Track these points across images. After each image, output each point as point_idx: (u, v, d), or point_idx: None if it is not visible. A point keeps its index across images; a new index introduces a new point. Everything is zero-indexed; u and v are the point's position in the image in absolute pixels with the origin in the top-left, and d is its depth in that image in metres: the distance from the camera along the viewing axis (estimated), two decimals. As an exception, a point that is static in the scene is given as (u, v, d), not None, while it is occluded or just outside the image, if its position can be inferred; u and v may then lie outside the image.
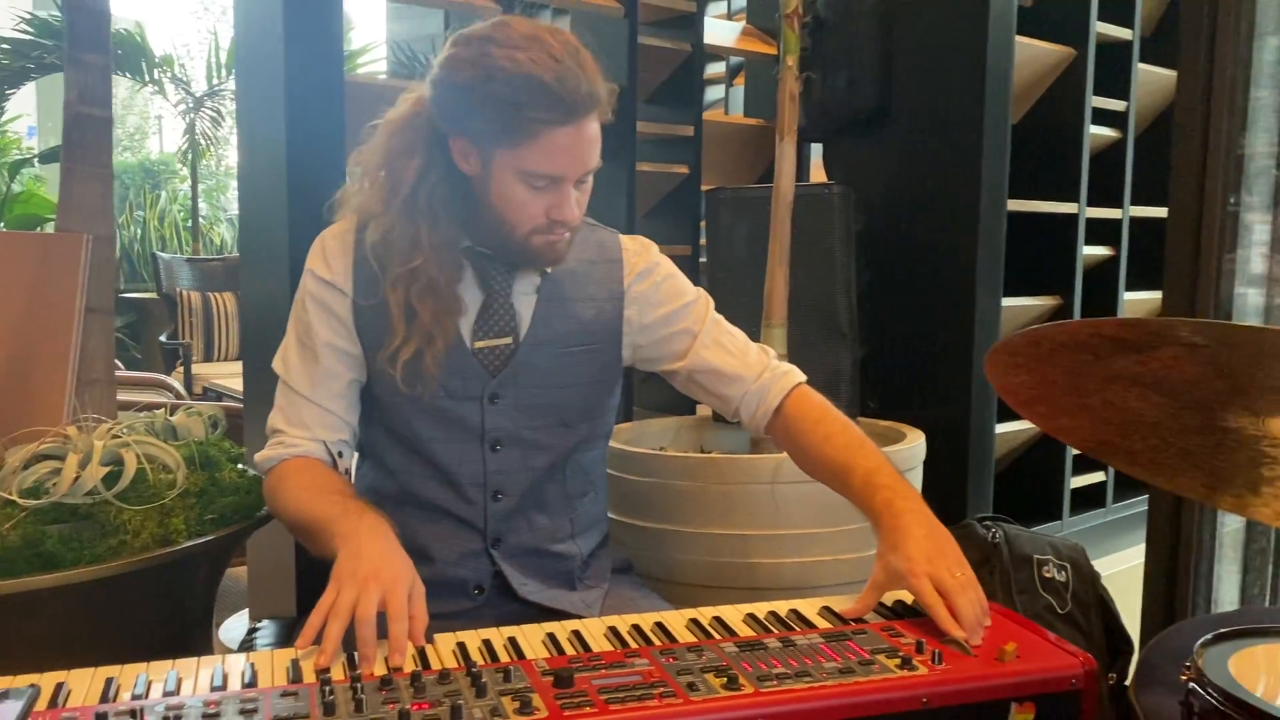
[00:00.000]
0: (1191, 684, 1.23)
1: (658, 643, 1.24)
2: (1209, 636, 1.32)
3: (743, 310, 2.44)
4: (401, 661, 1.12)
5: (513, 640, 1.21)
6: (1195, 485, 1.10)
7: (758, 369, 1.54)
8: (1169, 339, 0.81)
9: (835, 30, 2.68)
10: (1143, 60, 3.12)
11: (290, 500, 1.39)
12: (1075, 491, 3.00)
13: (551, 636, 1.23)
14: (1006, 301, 2.81)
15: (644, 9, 2.79)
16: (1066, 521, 2.97)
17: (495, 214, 1.37)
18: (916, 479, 2.24)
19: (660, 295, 1.54)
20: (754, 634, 1.27)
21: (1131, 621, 2.37)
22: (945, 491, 2.47)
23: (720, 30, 3.20)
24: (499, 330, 1.45)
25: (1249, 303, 2.43)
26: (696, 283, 2.73)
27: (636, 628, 1.28)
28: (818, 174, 3.13)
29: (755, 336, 2.31)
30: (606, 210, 2.72)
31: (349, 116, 2.09)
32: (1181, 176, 2.42)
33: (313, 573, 2.06)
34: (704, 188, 2.83)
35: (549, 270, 1.47)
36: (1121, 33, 3.00)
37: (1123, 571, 2.80)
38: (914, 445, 2.20)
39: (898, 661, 1.18)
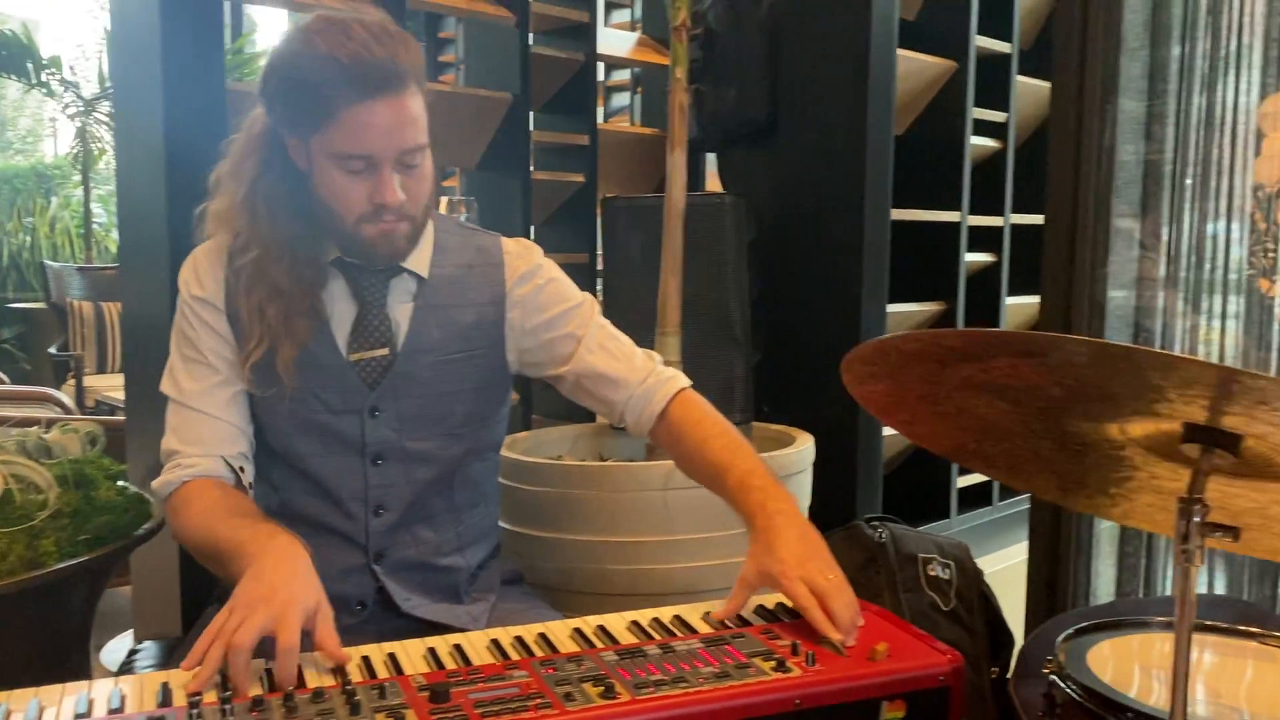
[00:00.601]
0: (1053, 676, 1.28)
1: (539, 654, 1.25)
2: (1070, 631, 1.38)
3: (638, 318, 2.47)
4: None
5: (392, 656, 1.20)
6: (1050, 487, 1.16)
7: (643, 374, 1.55)
8: (1002, 349, 0.85)
9: (725, 42, 2.72)
10: (1022, 73, 3.24)
11: (194, 526, 1.36)
12: (962, 490, 3.10)
13: (432, 651, 1.23)
14: (894, 308, 2.89)
15: (537, 19, 2.80)
16: (954, 520, 3.06)
17: (325, 206, 1.37)
18: (806, 481, 2.29)
19: (543, 299, 1.54)
20: (636, 641, 1.29)
21: (1017, 616, 2.46)
22: (835, 493, 2.53)
23: (615, 40, 3.22)
24: (375, 341, 1.44)
25: (1121, 304, 2.55)
26: (593, 291, 2.76)
27: (519, 639, 1.28)
28: (715, 183, 3.17)
29: (650, 344, 2.36)
30: (502, 218, 2.74)
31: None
32: (1057, 184, 2.52)
33: (198, 591, 2.02)
34: (601, 196, 2.85)
35: (426, 276, 1.47)
36: (1001, 46, 3.11)
37: (1009, 567, 2.90)
38: (803, 449, 2.25)
39: (773, 664, 1.20)
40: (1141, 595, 2.62)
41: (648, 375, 1.55)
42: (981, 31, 3.04)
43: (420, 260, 1.48)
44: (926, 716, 1.23)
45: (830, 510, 2.46)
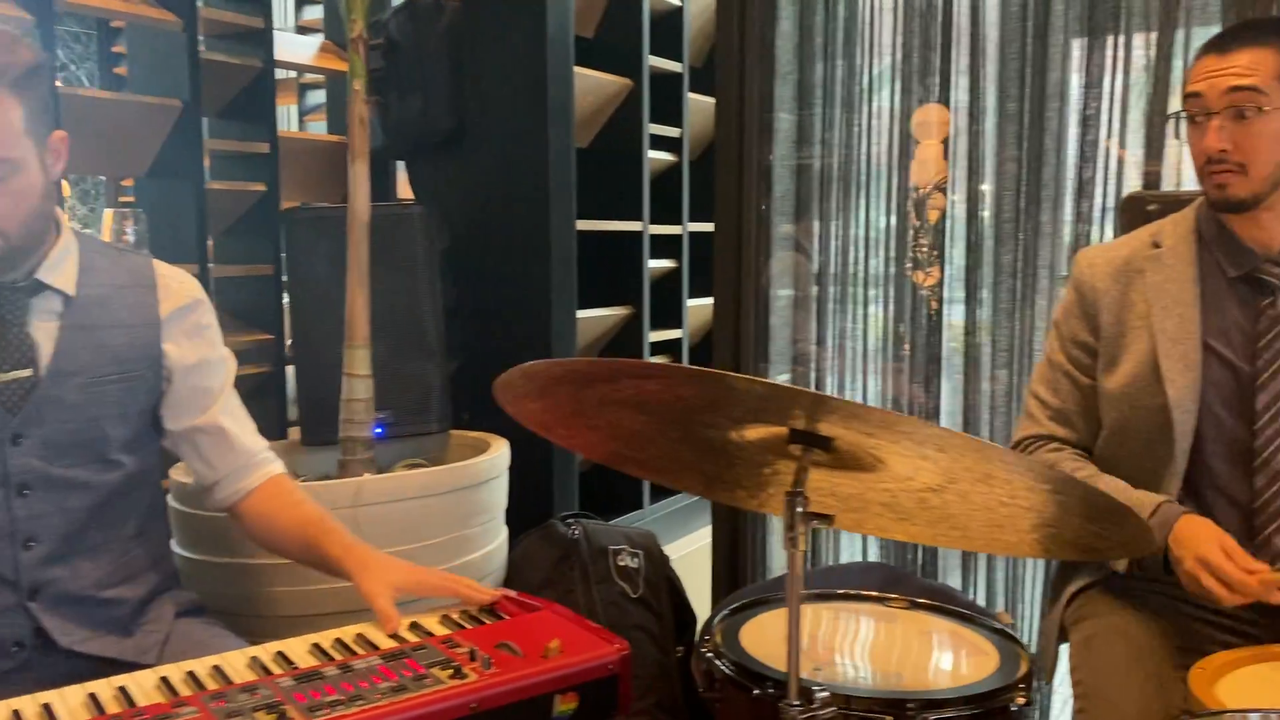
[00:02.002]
0: (709, 654, 1.42)
1: (212, 687, 1.23)
2: (724, 610, 1.53)
3: (326, 331, 2.44)
4: None
5: (47, 707, 1.15)
6: (697, 484, 1.28)
7: (259, 448, 1.60)
8: (623, 374, 0.94)
9: (408, 52, 2.73)
10: (694, 90, 3.46)
11: None
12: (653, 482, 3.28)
13: (94, 696, 1.19)
14: (584, 313, 3.01)
15: (208, 23, 2.69)
16: (647, 510, 3.24)
17: None
18: (503, 486, 2.36)
19: (203, 341, 1.55)
20: (316, 664, 1.30)
21: (707, 594, 2.65)
22: (533, 494, 2.61)
23: (296, 46, 3.14)
24: (14, 362, 1.36)
25: (784, 301, 2.80)
26: (279, 304, 2.69)
27: (192, 674, 1.26)
28: (409, 191, 3.17)
29: (340, 357, 2.34)
30: (176, 229, 2.61)
31: None
32: (723, 193, 2.73)
33: None
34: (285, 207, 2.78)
35: (73, 294, 1.41)
36: (673, 65, 3.31)
37: (697, 550, 3.10)
38: (498, 455, 2.31)
39: (450, 672, 1.25)
40: (811, 565, 2.90)
41: (261, 451, 1.61)
42: (655, 51, 3.22)
43: (65, 278, 1.41)
44: (597, 704, 1.32)
45: (530, 511, 2.54)
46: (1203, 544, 1.39)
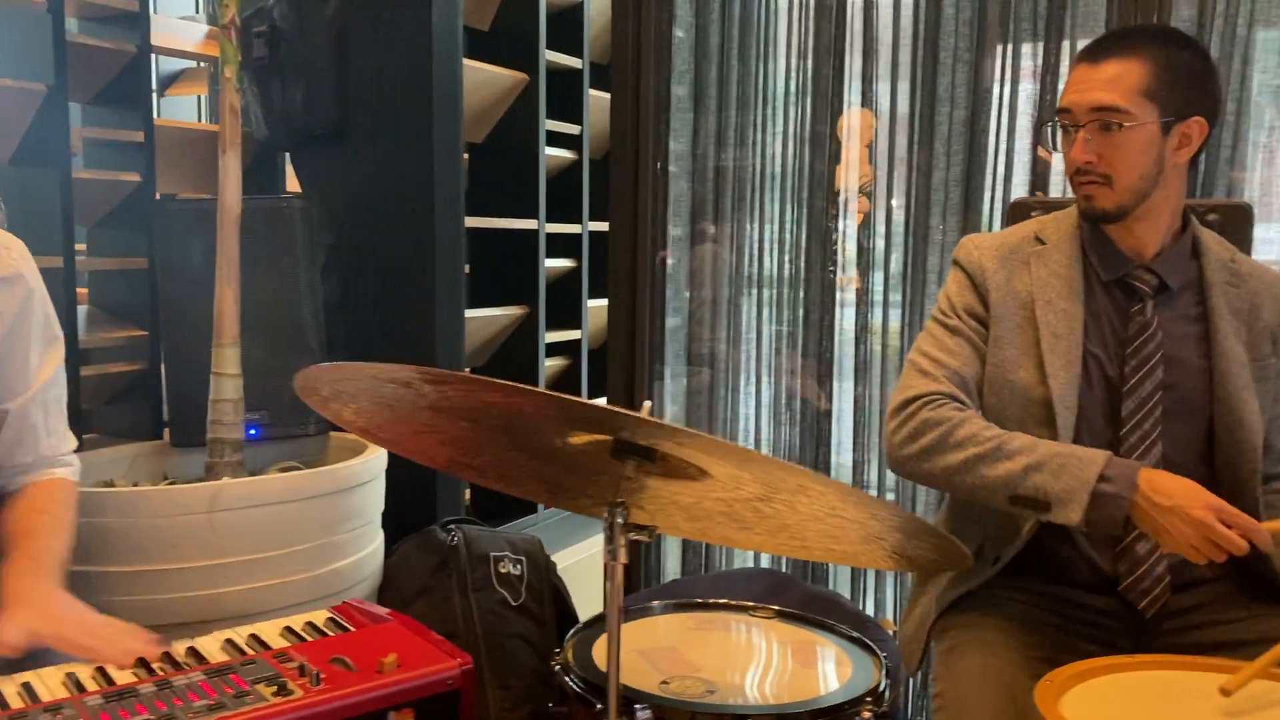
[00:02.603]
0: (557, 668, 1.37)
1: (18, 705, 1.15)
2: (580, 625, 1.48)
3: (197, 328, 2.33)
4: None
5: None
6: (540, 490, 1.23)
7: (58, 453, 1.53)
8: (419, 380, 0.89)
9: (292, 41, 2.64)
10: (598, 88, 3.41)
11: None
12: (552, 486, 3.22)
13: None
14: (477, 312, 2.95)
15: (80, 5, 2.57)
16: (541, 515, 3.18)
17: None
18: (379, 489, 2.28)
19: (29, 318, 1.44)
20: (133, 680, 1.23)
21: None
22: (415, 498, 2.54)
23: (177, 30, 3.02)
24: None
25: (679, 301, 2.76)
26: (154, 300, 2.57)
27: (-5, 694, 1.18)
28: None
29: (208, 355, 2.24)
30: (41, 218, 2.48)
31: None
32: (618, 192, 2.69)
33: None
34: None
35: None
36: (573, 62, 3.25)
37: (593, 556, 3.06)
38: (373, 458, 2.24)
39: (275, 689, 1.19)
40: (703, 572, 2.87)
41: (57, 458, 1.52)
42: (555, 47, 3.16)
43: None
44: (437, 720, 1.27)
45: (411, 515, 2.47)
46: (1200, 493, 1.33)
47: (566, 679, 1.32)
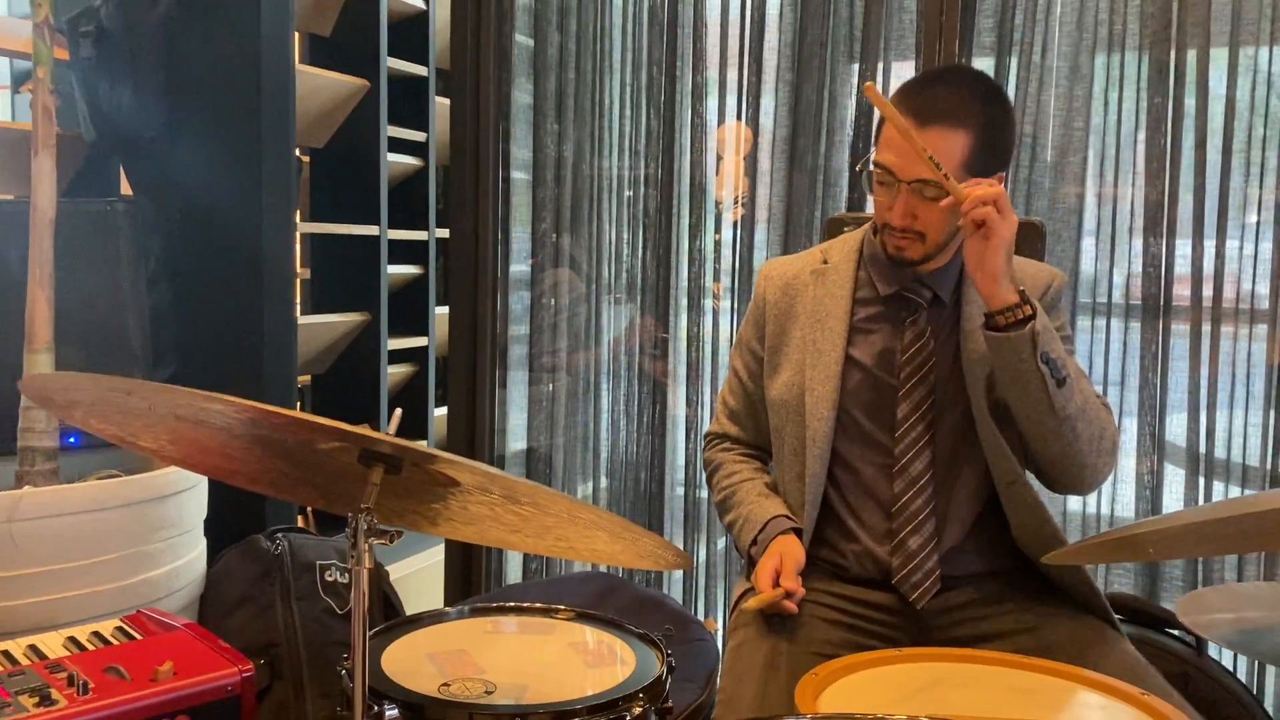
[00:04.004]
0: (344, 673, 1.38)
1: None
2: (375, 631, 1.49)
3: (11, 333, 2.26)
4: None
5: None
6: (314, 497, 1.25)
7: None
8: (154, 393, 0.91)
9: (119, 42, 2.58)
10: (445, 94, 3.41)
11: None
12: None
13: None
14: (312, 319, 2.92)
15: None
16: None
17: None
18: (198, 498, 2.25)
19: None
20: (-110, 696, 1.20)
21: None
22: (242, 506, 2.51)
23: (11, 28, 2.92)
24: None
25: (521, 310, 2.79)
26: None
27: None
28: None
29: (20, 362, 2.18)
30: None
31: None
32: (458, 200, 2.71)
33: None
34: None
35: None
36: (416, 68, 3.25)
37: (436, 564, 3.06)
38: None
39: (37, 700, 1.18)
40: (545, 575, 2.90)
41: None
42: (399, 54, 3.16)
43: None
44: (215, 727, 1.27)
45: (239, 523, 2.43)
46: (770, 556, 1.58)
47: (349, 683, 1.33)
